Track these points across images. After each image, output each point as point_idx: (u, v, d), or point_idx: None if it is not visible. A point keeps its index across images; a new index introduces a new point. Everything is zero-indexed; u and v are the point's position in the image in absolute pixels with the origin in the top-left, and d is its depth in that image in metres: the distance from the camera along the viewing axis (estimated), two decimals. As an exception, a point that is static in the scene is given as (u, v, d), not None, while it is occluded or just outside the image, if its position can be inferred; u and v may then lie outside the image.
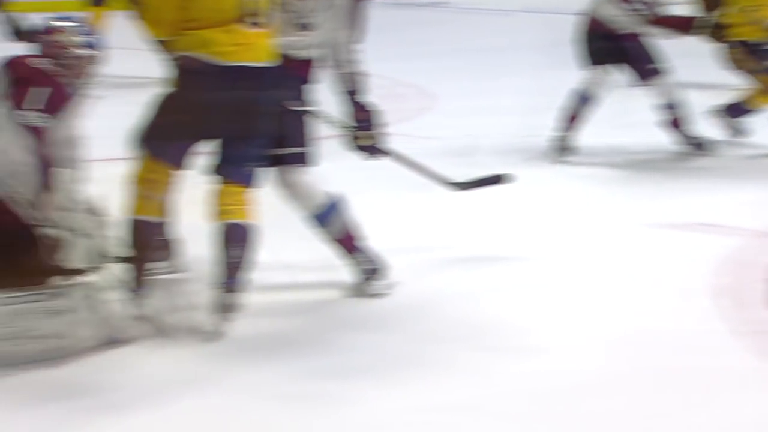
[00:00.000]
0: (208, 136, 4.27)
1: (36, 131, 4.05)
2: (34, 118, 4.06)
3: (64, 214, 4.01)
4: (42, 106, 4.07)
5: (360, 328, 4.36)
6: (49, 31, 4.29)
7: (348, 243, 4.66)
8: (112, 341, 4.06)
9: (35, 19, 6.77)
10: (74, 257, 4.01)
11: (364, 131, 4.68)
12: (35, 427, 3.53)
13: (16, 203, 4.02)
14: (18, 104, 4.07)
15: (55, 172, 4.05)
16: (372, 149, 4.75)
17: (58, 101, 4.14)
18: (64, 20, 4.36)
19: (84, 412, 3.62)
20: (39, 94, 4.08)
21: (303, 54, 4.56)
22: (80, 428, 3.53)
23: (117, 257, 4.18)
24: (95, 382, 3.82)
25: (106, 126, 5.13)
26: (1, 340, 3.82)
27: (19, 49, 4.48)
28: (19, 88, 4.10)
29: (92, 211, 4.22)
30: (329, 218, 4.62)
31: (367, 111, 4.67)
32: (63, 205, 4.02)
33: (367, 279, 4.67)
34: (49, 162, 4.06)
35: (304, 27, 4.55)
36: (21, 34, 6.82)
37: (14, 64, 4.20)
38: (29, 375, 3.82)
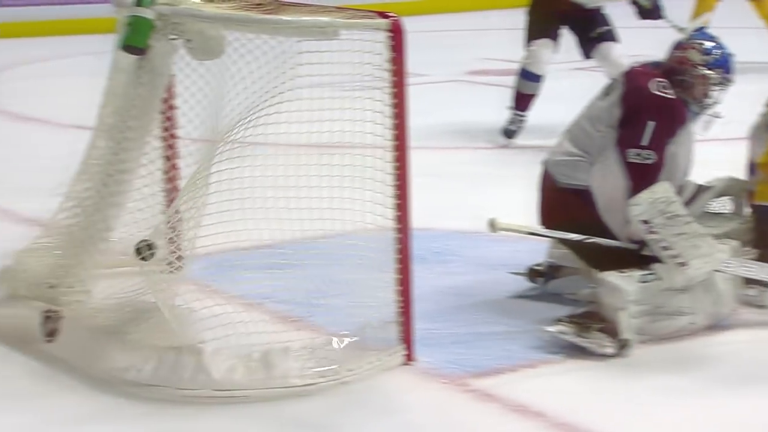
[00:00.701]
0: None
1: (642, 169, 4.02)
2: (642, 156, 4.02)
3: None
4: (652, 144, 4.00)
5: None
6: (682, 46, 4.15)
7: None
8: (719, 321, 4.03)
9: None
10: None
11: None
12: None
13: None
14: (630, 140, 4.02)
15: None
16: None
17: (674, 127, 4.05)
18: (699, 37, 4.19)
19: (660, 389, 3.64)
20: (651, 129, 4.00)
21: None
22: (659, 405, 3.54)
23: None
24: (686, 364, 3.82)
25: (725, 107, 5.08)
26: (640, 317, 3.87)
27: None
28: (634, 116, 4.03)
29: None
30: None
31: None
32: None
33: None
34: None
35: None
36: (646, 13, 6.89)
37: (633, 85, 4.10)
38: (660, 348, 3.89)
